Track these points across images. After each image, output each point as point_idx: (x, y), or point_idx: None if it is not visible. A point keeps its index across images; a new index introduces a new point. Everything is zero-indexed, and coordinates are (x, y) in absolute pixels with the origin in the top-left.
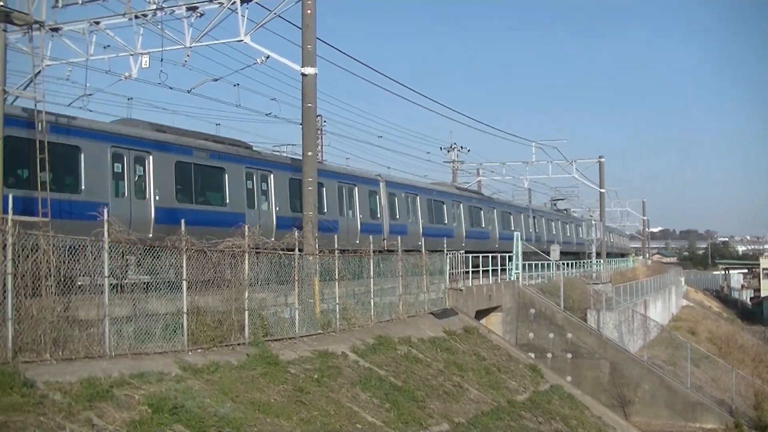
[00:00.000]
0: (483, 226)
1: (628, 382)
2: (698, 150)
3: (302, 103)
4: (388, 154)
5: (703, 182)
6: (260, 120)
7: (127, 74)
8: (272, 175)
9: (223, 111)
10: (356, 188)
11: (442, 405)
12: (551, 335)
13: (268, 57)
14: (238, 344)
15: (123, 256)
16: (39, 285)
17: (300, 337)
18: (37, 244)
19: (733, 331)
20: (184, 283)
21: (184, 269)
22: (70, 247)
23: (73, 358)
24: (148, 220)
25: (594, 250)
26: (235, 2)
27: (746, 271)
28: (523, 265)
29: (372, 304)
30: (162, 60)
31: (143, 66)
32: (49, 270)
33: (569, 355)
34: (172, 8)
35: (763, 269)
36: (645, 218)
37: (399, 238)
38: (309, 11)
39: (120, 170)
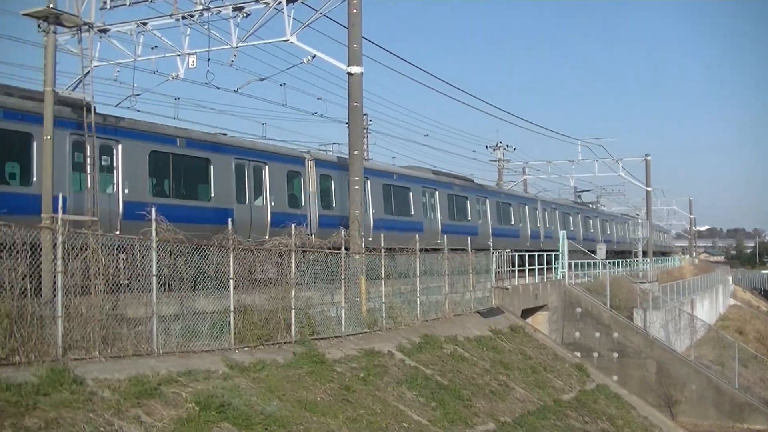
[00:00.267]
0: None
1: (674, 381)
2: (746, 147)
3: (348, 102)
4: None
5: (751, 180)
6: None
7: (174, 74)
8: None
9: (270, 110)
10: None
11: (488, 404)
12: (597, 334)
13: (314, 56)
14: (285, 343)
15: (171, 255)
16: (88, 283)
17: (346, 336)
18: (86, 243)
19: None
20: (231, 281)
21: (231, 267)
22: (118, 246)
23: (122, 356)
24: None
25: (640, 248)
26: (281, 2)
27: None
28: (569, 264)
29: (418, 302)
30: (209, 60)
31: (190, 66)
32: (98, 268)
33: (615, 355)
34: (219, 8)
35: None
36: (692, 216)
37: (444, 236)
38: (355, 10)
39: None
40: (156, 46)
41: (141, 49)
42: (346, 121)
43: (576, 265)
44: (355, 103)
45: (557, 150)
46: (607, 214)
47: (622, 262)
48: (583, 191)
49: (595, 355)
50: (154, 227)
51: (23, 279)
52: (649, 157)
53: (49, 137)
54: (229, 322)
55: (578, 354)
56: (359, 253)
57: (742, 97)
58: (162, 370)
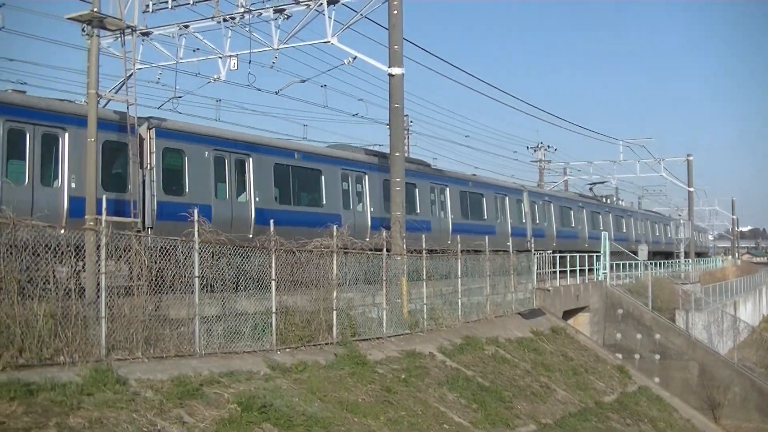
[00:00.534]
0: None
1: (717, 384)
2: None
3: (389, 103)
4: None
5: None
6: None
7: (216, 76)
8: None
9: (311, 112)
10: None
11: (529, 406)
12: (639, 336)
13: (355, 58)
14: (326, 344)
15: (213, 256)
16: (131, 284)
17: (387, 337)
18: (129, 244)
19: None
20: (273, 282)
21: (273, 269)
22: (161, 248)
23: (164, 357)
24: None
25: (682, 249)
26: (321, 4)
27: None
28: (611, 265)
29: (459, 304)
30: (250, 62)
31: (232, 68)
32: (141, 269)
33: (657, 356)
34: (260, 11)
35: None
36: (734, 217)
37: (486, 238)
38: (395, 12)
39: None
40: (198, 49)
41: (183, 52)
42: (387, 122)
43: (617, 266)
44: (396, 105)
45: (599, 151)
46: (623, 209)
47: (663, 263)
48: (596, 183)
49: (637, 356)
50: (196, 228)
51: (67, 280)
52: (690, 157)
53: (92, 139)
54: (271, 323)
55: (619, 355)
56: (401, 254)
57: None
58: (204, 371)
